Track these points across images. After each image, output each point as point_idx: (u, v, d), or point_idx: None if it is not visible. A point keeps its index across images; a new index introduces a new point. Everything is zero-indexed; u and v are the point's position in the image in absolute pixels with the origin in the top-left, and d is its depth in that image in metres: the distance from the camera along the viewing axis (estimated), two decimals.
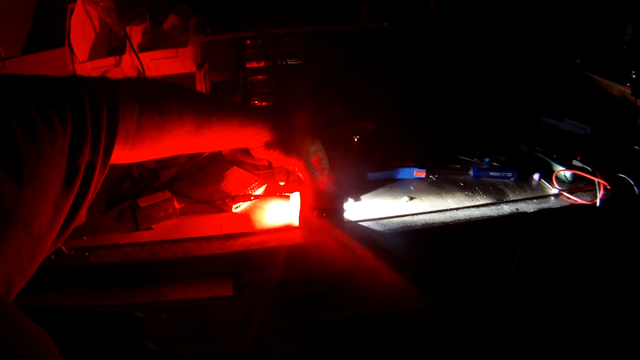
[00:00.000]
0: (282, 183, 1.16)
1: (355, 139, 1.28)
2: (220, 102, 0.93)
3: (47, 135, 0.51)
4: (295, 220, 1.02)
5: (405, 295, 1.18)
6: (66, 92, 0.58)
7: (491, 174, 1.18)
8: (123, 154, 0.72)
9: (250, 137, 0.93)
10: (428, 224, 1.02)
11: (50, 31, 1.36)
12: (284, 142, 0.94)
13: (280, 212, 1.07)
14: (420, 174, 1.18)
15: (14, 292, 0.46)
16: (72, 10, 1.33)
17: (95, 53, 1.42)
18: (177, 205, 1.06)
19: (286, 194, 1.10)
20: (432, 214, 1.05)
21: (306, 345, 1.29)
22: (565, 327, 1.34)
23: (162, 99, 0.77)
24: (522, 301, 1.24)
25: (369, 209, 1.06)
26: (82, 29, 1.37)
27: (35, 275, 0.51)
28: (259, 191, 1.13)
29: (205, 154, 1.23)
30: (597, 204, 1.07)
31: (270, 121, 0.93)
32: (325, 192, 1.01)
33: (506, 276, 1.18)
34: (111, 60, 1.38)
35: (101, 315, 1.12)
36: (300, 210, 1.00)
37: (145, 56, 1.37)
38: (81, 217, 0.59)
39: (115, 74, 1.40)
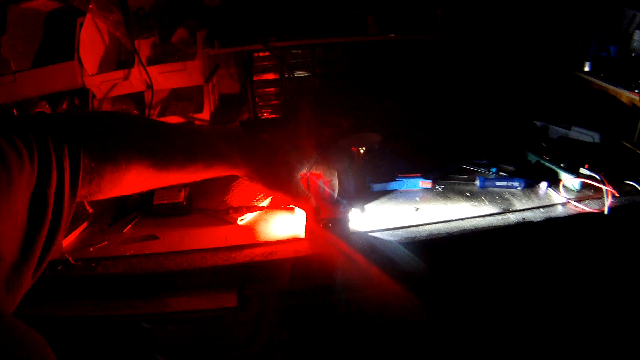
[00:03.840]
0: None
1: (362, 151, 1.29)
2: (181, 139, 0.82)
3: (16, 164, 0.52)
4: (301, 232, 1.02)
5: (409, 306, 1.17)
6: (31, 127, 0.58)
7: (498, 183, 1.17)
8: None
9: (223, 174, 0.86)
10: (433, 234, 1.01)
11: (59, 45, 1.39)
12: (263, 177, 0.89)
13: (285, 223, 1.07)
14: (426, 184, 1.17)
15: None
16: (81, 24, 1.36)
17: (105, 66, 1.44)
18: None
19: (291, 205, 1.10)
20: (437, 225, 1.04)
21: (314, 356, 1.28)
22: (571, 339, 1.32)
23: (110, 145, 0.69)
24: (528, 312, 1.22)
25: (374, 220, 1.06)
26: (91, 42, 1.40)
27: (43, 286, 0.51)
28: (265, 203, 1.13)
29: None
30: (605, 212, 1.06)
31: (238, 159, 0.86)
32: (331, 202, 1.01)
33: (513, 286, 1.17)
34: (120, 73, 1.41)
35: (112, 326, 1.13)
36: (306, 222, 1.00)
37: (153, 69, 1.39)
38: (58, 246, 0.58)
39: (124, 87, 1.42)
